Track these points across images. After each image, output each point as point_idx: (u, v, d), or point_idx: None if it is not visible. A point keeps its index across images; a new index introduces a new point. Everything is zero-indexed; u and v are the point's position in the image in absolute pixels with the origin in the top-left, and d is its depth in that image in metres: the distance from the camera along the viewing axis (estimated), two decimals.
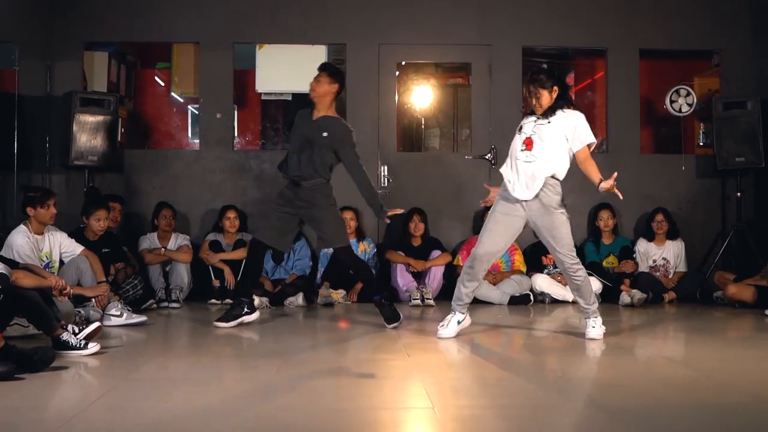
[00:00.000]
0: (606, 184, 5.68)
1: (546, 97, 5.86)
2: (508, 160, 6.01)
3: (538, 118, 5.90)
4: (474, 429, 3.66)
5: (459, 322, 6.08)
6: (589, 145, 5.87)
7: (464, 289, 6.06)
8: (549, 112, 5.88)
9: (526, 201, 5.87)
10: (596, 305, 6.04)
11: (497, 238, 6.00)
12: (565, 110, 5.90)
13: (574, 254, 5.95)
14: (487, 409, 3.98)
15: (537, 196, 5.83)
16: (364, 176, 6.50)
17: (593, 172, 5.82)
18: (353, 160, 6.51)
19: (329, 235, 6.62)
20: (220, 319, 6.55)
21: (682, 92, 9.14)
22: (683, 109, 9.15)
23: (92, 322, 5.97)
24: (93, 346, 5.19)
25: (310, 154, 6.49)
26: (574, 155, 5.88)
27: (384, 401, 4.14)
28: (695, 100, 9.16)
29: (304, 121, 6.63)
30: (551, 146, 5.84)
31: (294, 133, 6.69)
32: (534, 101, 5.89)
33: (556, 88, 5.87)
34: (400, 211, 6.54)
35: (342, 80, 6.69)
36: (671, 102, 9.17)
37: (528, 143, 5.86)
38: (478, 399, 4.24)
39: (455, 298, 6.11)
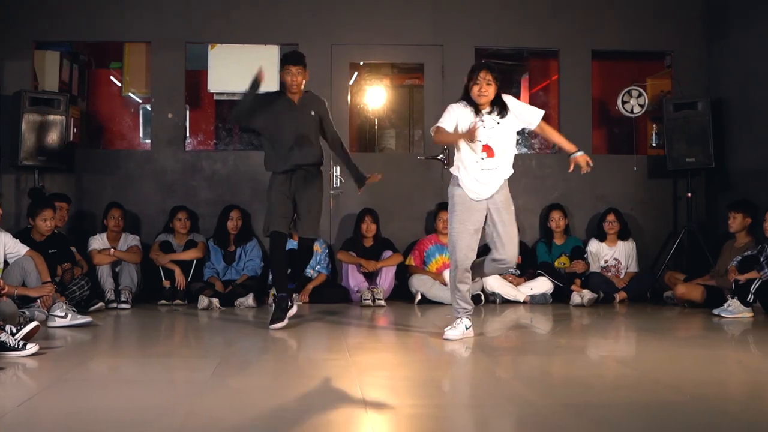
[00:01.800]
0: (580, 160, 5.87)
1: (495, 88, 5.75)
2: (459, 163, 5.83)
3: (483, 119, 5.73)
4: (402, 429, 3.65)
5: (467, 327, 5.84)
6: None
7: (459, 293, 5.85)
8: (496, 108, 5.78)
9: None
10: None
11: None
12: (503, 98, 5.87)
13: None
14: (422, 408, 3.96)
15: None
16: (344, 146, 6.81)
17: (563, 142, 5.95)
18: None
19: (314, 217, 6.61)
20: (273, 321, 6.35)
21: (634, 93, 9.18)
22: (635, 110, 9.19)
23: None
24: (32, 347, 5.09)
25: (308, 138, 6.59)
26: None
27: (317, 402, 4.10)
28: (647, 101, 9.20)
29: (287, 108, 6.59)
30: (508, 147, 5.82)
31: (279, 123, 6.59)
32: (485, 89, 5.69)
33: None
34: (379, 177, 6.66)
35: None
36: (623, 103, 9.19)
37: (487, 150, 5.74)
38: (415, 399, 4.21)
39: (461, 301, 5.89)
